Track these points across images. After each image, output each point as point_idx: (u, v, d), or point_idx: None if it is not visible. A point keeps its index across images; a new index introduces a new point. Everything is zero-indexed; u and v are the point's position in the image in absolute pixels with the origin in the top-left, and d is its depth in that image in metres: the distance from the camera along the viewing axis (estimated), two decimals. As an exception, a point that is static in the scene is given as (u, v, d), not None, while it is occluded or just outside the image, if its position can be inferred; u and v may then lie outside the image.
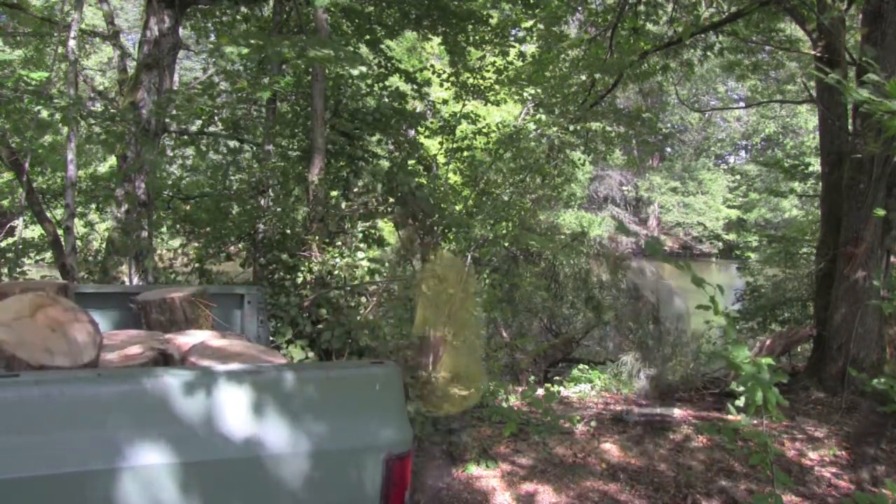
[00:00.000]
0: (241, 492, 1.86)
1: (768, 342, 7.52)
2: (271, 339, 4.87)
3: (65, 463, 1.68)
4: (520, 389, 7.00)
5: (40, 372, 2.02)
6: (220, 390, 1.92)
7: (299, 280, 7.45)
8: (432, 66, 12.72)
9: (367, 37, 10.32)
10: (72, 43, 7.09)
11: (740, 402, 2.24)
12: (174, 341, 2.80)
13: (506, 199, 8.42)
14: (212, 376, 1.96)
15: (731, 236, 34.81)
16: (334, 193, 9.27)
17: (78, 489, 1.68)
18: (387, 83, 10.40)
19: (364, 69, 6.08)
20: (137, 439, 1.78)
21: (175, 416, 1.84)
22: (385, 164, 9.75)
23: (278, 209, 8.95)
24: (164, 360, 2.62)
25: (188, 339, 2.85)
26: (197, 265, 8.59)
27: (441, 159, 11.34)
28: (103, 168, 9.88)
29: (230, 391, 1.93)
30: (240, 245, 9.25)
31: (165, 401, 1.85)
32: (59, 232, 7.21)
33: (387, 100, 9.78)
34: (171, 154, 9.35)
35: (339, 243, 7.84)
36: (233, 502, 1.85)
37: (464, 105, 12.04)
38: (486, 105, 12.61)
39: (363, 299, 8.46)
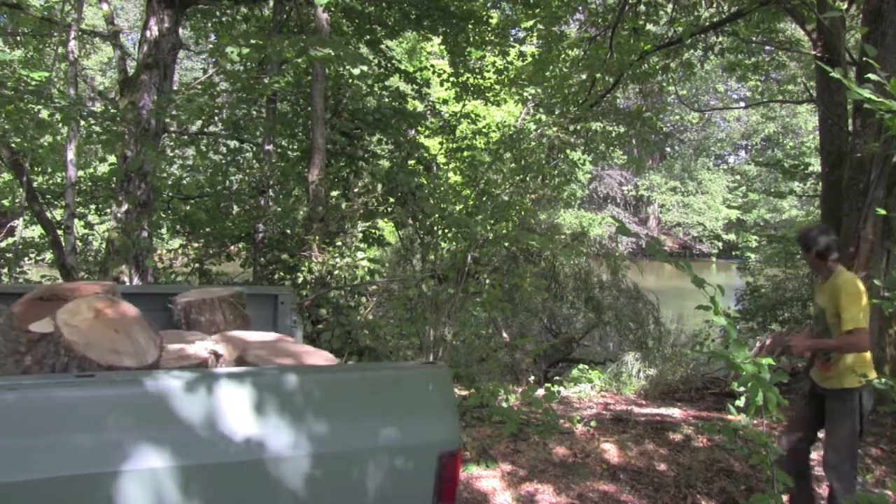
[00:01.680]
0: (309, 487, 1.94)
1: (768, 342, 7.51)
2: None
3: (138, 460, 1.76)
4: (520, 389, 7.00)
5: (112, 372, 2.08)
6: (287, 389, 2.00)
7: (299, 280, 7.46)
8: (432, 65, 12.73)
9: (368, 37, 10.31)
10: (72, 43, 7.09)
11: (740, 402, 2.25)
12: (224, 341, 2.82)
13: (506, 199, 8.41)
14: (279, 376, 2.05)
15: (731, 236, 34.82)
16: (334, 193, 9.27)
17: (152, 484, 1.76)
18: (387, 83, 10.41)
19: (365, 68, 6.07)
20: (208, 438, 1.84)
21: (240, 415, 1.90)
22: (385, 164, 9.75)
23: (278, 209, 8.95)
24: (217, 360, 2.63)
25: (238, 339, 2.87)
26: (197, 265, 8.59)
27: (441, 159, 11.34)
28: (103, 168, 9.87)
29: (297, 390, 2.01)
30: (240, 245, 9.25)
31: (231, 401, 1.90)
32: (59, 232, 7.20)
33: (387, 100, 9.78)
34: (171, 154, 9.34)
35: (339, 243, 7.84)
36: (303, 496, 1.94)
37: (464, 105, 12.04)
38: (486, 105, 12.61)
39: (363, 299, 8.47)
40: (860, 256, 6.07)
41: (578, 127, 10.53)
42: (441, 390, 2.22)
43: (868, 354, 3.45)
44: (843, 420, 3.36)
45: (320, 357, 2.70)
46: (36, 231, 8.90)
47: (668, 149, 38.09)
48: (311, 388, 2.04)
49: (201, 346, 2.67)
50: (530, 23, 9.76)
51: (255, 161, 10.09)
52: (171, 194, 9.09)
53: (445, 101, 13.99)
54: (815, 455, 4.97)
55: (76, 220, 7.61)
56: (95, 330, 2.32)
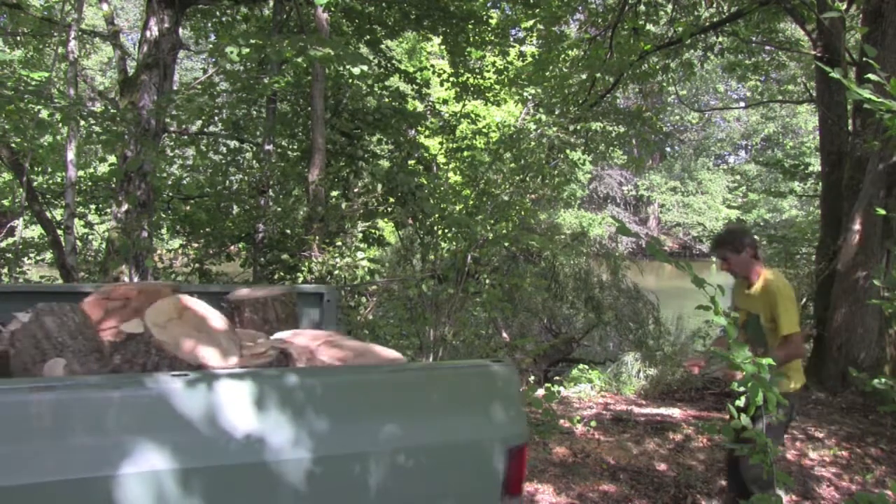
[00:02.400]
0: (391, 481, 2.04)
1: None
2: None
3: (229, 455, 1.84)
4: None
5: (203, 371, 2.16)
6: (364, 387, 2.11)
7: (299, 280, 7.46)
8: (432, 65, 12.72)
9: (368, 37, 10.31)
10: (72, 43, 7.09)
11: (740, 402, 2.24)
12: (290, 340, 2.85)
13: (506, 199, 8.41)
14: (357, 374, 2.19)
15: (731, 236, 34.78)
16: (334, 193, 9.28)
17: (241, 479, 1.85)
18: (387, 83, 10.41)
19: (365, 68, 6.07)
20: (296, 433, 1.93)
21: (324, 412, 1.99)
22: (385, 164, 9.75)
23: (278, 209, 8.95)
24: (287, 359, 2.67)
25: (302, 338, 2.91)
26: (197, 265, 8.59)
27: (441, 159, 11.34)
28: (103, 168, 9.87)
29: (374, 388, 2.13)
30: (240, 245, 9.25)
31: (319, 397, 2.00)
32: (59, 232, 7.20)
33: (387, 100, 9.78)
34: (171, 154, 9.34)
35: (339, 243, 7.84)
36: (386, 490, 2.04)
37: (464, 105, 12.03)
38: (486, 105, 12.62)
39: (363, 299, 8.46)
40: (846, 247, 6.08)
41: (578, 127, 10.52)
42: (508, 386, 2.30)
43: (800, 361, 3.35)
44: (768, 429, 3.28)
45: (389, 355, 2.76)
46: (36, 231, 8.90)
47: (668, 149, 38.07)
48: (387, 385, 2.14)
49: (269, 346, 2.71)
50: (530, 23, 9.77)
51: (255, 161, 10.09)
52: (171, 194, 9.10)
53: (445, 101, 13.99)
54: (815, 455, 4.98)
55: (76, 220, 7.61)
56: (181, 330, 2.40)
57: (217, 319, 2.55)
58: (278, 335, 2.96)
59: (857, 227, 6.00)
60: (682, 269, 2.27)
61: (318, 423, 1.96)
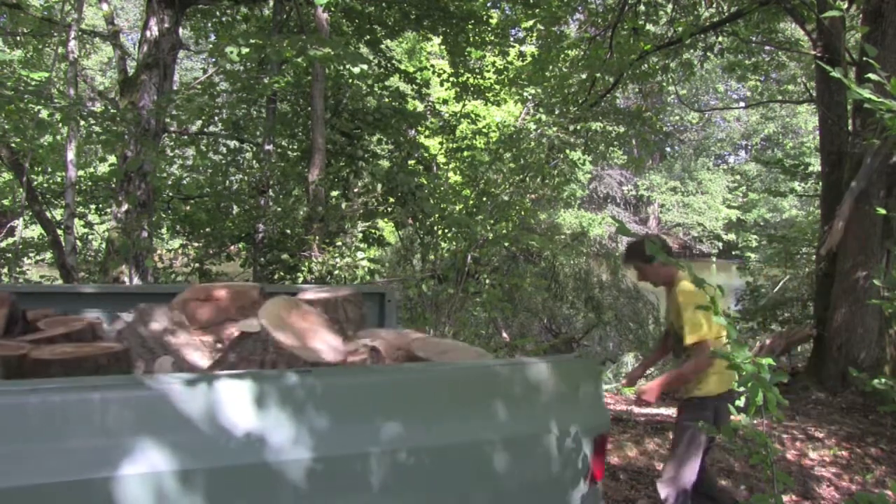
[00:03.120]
0: (494, 468, 2.18)
1: (768, 342, 7.52)
2: None
3: (348, 446, 1.96)
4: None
5: (323, 368, 2.29)
6: (466, 382, 2.25)
7: (299, 280, 7.46)
8: (432, 65, 12.72)
9: (368, 37, 10.31)
10: (72, 43, 7.09)
11: (740, 402, 2.24)
12: (376, 338, 2.95)
13: (506, 199, 8.41)
14: (458, 370, 2.31)
15: (731, 236, 34.82)
16: (334, 193, 9.28)
17: (362, 467, 1.97)
18: (387, 83, 10.41)
19: (365, 67, 6.07)
20: (405, 426, 2.05)
21: (425, 406, 2.12)
22: (385, 164, 9.75)
23: (278, 209, 8.95)
24: (376, 356, 2.75)
25: (389, 335, 3.04)
26: (197, 265, 8.59)
27: (441, 159, 11.34)
28: (103, 168, 9.87)
29: (476, 382, 2.26)
30: (240, 245, 9.25)
31: (415, 393, 2.14)
32: (59, 232, 7.20)
33: (387, 100, 9.78)
34: (171, 154, 9.34)
35: (339, 243, 7.84)
36: (487, 476, 2.18)
37: (464, 105, 12.03)
38: (486, 105, 12.61)
39: (363, 299, 8.45)
40: (832, 234, 6.10)
41: (578, 127, 10.52)
42: (592, 379, 2.44)
43: (722, 363, 3.04)
44: (685, 433, 3.10)
45: (475, 351, 2.90)
46: (36, 231, 8.90)
47: (668, 149, 38.07)
48: (487, 379, 2.28)
49: (359, 344, 2.78)
50: (530, 23, 9.77)
51: (255, 161, 10.09)
52: (171, 194, 9.10)
53: (445, 101, 13.99)
54: (815, 455, 4.98)
55: (76, 220, 7.61)
56: (293, 330, 2.52)
57: (320, 319, 2.69)
58: (364, 333, 3.10)
59: (846, 213, 6.03)
60: (681, 268, 2.27)
61: (442, 414, 2.12)
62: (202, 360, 2.60)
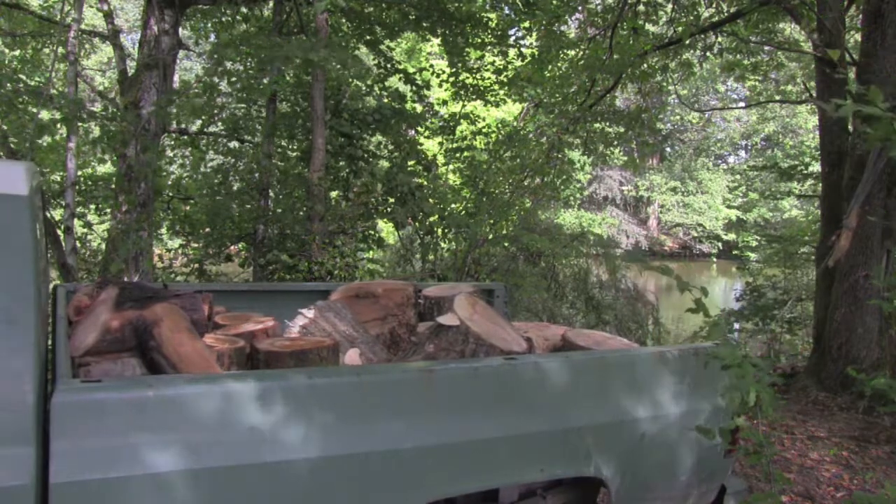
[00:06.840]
0: (646, 447, 2.47)
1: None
2: None
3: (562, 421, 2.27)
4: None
5: (525, 356, 2.49)
6: (627, 368, 2.52)
7: (299, 280, 7.45)
8: (432, 66, 12.71)
9: (367, 37, 10.30)
10: (72, 43, 7.08)
11: (733, 402, 2.26)
12: (530, 332, 3.13)
13: (506, 198, 8.41)
14: (612, 356, 2.56)
15: (731, 236, 34.80)
16: (334, 193, 9.27)
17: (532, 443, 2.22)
18: (387, 84, 10.40)
19: (363, 70, 6.07)
20: (600, 401, 2.37)
21: (600, 388, 2.41)
22: (385, 164, 9.75)
23: (278, 209, 8.95)
24: (529, 344, 2.91)
25: (541, 330, 3.24)
26: (196, 265, 8.59)
27: (441, 159, 11.33)
28: (103, 168, 9.87)
29: (635, 368, 2.53)
30: (240, 245, 9.24)
31: (588, 378, 2.39)
32: (59, 232, 7.20)
33: (387, 100, 9.77)
34: (171, 154, 9.34)
35: (339, 243, 7.84)
36: (636, 454, 2.47)
37: (463, 105, 12.02)
38: (485, 106, 12.60)
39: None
40: (840, 243, 6.08)
41: (577, 127, 10.51)
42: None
43: None
44: None
45: (624, 341, 3.14)
46: (36, 231, 8.87)
47: (668, 149, 38.05)
48: (642, 366, 2.55)
49: (516, 335, 2.94)
50: (529, 23, 9.76)
51: (254, 161, 10.09)
52: (171, 194, 9.09)
53: (445, 102, 13.97)
54: (816, 455, 4.98)
55: (76, 220, 7.61)
56: (483, 322, 2.72)
57: (499, 313, 2.90)
58: (516, 325, 3.26)
59: (853, 224, 6.00)
60: (667, 274, 2.30)
61: (615, 394, 2.40)
62: (382, 353, 2.83)
